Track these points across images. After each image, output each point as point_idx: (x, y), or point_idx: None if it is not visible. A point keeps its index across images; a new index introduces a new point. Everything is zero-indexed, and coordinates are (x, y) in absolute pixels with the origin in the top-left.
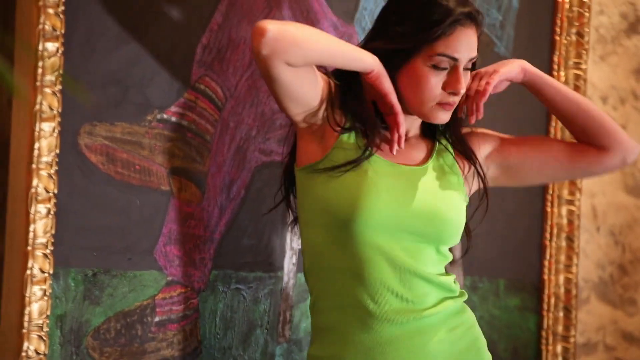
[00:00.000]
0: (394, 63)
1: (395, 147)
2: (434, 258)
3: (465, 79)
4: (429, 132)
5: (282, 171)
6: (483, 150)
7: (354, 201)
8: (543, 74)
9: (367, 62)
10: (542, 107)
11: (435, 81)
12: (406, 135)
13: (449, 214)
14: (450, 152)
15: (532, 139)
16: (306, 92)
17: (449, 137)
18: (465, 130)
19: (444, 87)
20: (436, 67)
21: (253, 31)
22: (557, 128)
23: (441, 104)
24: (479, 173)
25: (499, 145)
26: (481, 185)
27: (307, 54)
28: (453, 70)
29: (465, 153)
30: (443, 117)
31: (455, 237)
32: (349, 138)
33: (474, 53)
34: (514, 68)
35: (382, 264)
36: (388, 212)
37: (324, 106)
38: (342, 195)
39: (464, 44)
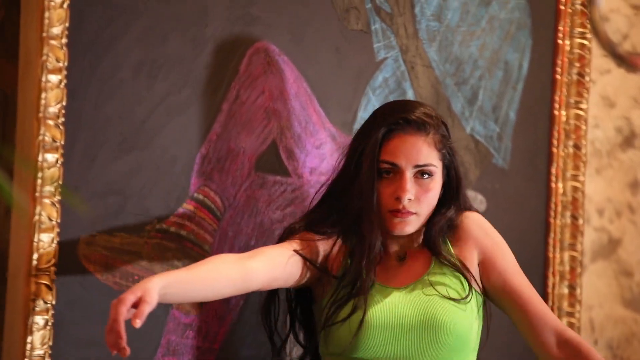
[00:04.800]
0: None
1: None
2: None
3: (422, 187)
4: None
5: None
6: (475, 256)
7: (350, 339)
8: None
9: None
10: (541, 218)
11: (381, 188)
12: (404, 252)
13: (447, 324)
14: (451, 255)
15: (520, 289)
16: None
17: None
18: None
19: (392, 195)
20: (382, 175)
21: None
22: (555, 239)
23: (392, 212)
24: (475, 282)
25: (490, 265)
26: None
27: None
28: (398, 176)
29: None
30: (398, 226)
31: (459, 345)
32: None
33: (421, 159)
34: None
35: None
36: (384, 344)
37: (314, 271)
38: (341, 332)
39: (403, 150)
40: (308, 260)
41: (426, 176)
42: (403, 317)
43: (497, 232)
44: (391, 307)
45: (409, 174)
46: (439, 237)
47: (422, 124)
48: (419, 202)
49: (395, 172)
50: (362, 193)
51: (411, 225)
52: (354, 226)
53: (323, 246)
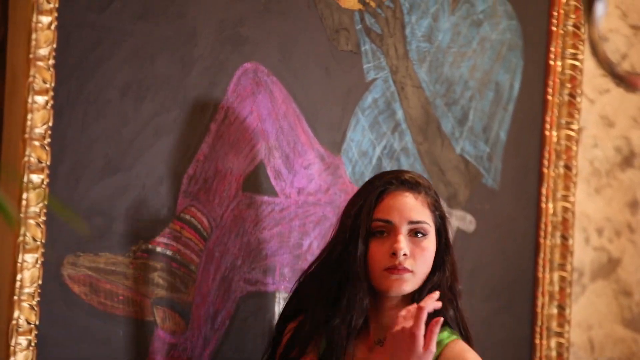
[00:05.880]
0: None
1: None
2: None
3: (416, 245)
4: None
5: None
6: None
7: None
8: None
9: None
10: (531, 238)
11: (377, 247)
12: (384, 336)
13: None
14: None
15: None
16: None
17: None
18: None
19: (387, 252)
20: (377, 234)
21: None
22: (545, 260)
23: (388, 270)
24: None
25: None
26: None
27: None
28: (392, 234)
29: None
30: (395, 284)
31: None
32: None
33: (414, 216)
34: None
35: None
36: None
37: None
38: None
39: (396, 206)
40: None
41: (420, 235)
42: None
43: None
44: None
45: (403, 230)
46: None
47: (415, 183)
48: (414, 259)
49: (390, 230)
50: (354, 253)
51: (407, 283)
52: (344, 291)
53: None
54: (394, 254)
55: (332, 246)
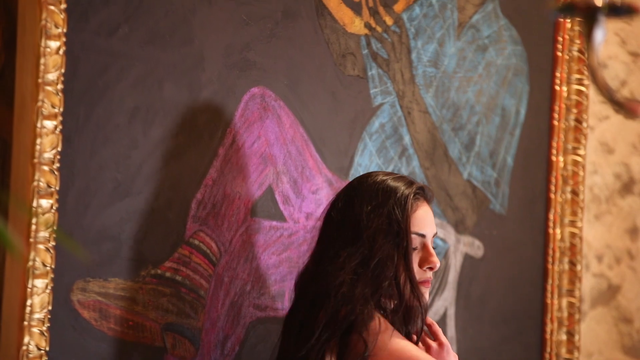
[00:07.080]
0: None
1: None
2: None
3: None
4: None
5: None
6: None
7: None
8: None
9: None
10: (539, 264)
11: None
12: None
13: None
14: None
15: None
16: None
17: None
18: None
19: (420, 265)
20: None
21: None
22: (553, 286)
23: (421, 282)
24: None
25: None
26: None
27: None
28: (424, 247)
29: None
30: (425, 296)
31: None
32: None
33: (435, 228)
34: None
35: None
36: None
37: None
38: None
39: (427, 219)
40: None
41: (434, 245)
42: None
43: None
44: None
45: (430, 243)
46: None
47: (430, 193)
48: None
49: (419, 242)
50: (407, 273)
51: (428, 293)
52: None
53: None
54: (430, 268)
55: (369, 256)
